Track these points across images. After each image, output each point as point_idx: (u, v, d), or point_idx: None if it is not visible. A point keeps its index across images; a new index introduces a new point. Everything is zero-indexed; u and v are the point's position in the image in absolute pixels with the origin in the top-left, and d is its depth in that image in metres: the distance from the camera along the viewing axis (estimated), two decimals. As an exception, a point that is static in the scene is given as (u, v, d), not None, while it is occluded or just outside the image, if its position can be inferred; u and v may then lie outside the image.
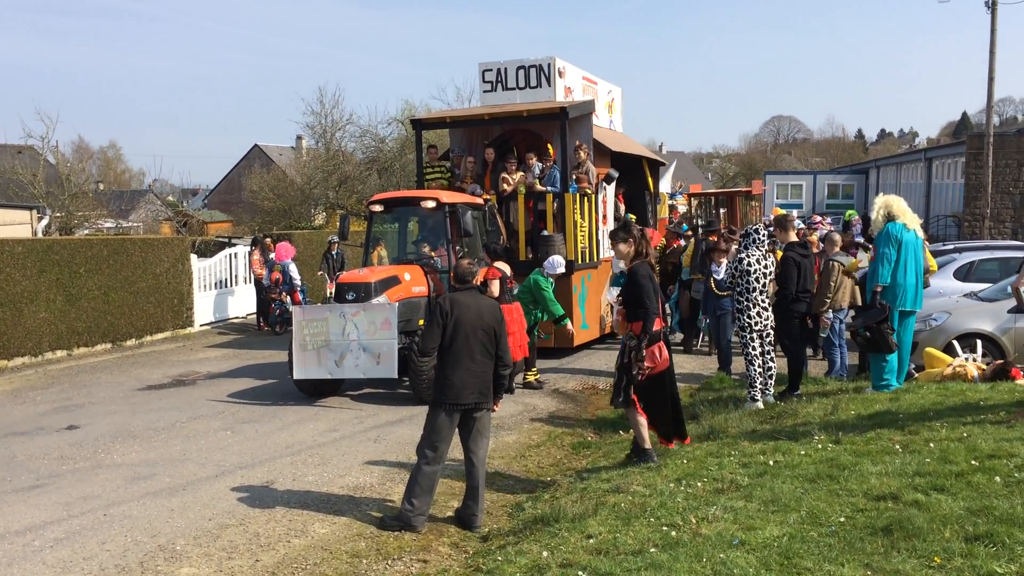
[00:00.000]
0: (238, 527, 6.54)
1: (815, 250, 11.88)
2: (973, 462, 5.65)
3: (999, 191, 31.53)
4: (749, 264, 9.02)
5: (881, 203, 8.99)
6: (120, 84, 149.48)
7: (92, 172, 47.19)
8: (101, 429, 9.86)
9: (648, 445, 7.27)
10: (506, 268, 11.01)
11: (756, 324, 9.07)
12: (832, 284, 10.50)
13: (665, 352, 7.11)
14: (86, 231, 30.33)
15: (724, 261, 11.72)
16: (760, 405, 8.95)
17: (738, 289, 9.18)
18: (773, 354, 9.28)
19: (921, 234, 8.94)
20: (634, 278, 7.09)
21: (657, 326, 7.01)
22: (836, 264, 10.60)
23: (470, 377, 6.38)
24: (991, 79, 26.82)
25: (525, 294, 11.47)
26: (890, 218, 8.78)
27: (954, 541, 4.42)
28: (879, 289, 8.72)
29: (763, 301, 9.10)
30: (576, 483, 7.11)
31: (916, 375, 9.95)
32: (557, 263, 11.76)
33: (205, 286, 19.40)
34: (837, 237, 11.59)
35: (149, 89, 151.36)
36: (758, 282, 9.02)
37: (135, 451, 8.87)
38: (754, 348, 9.10)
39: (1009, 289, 9.53)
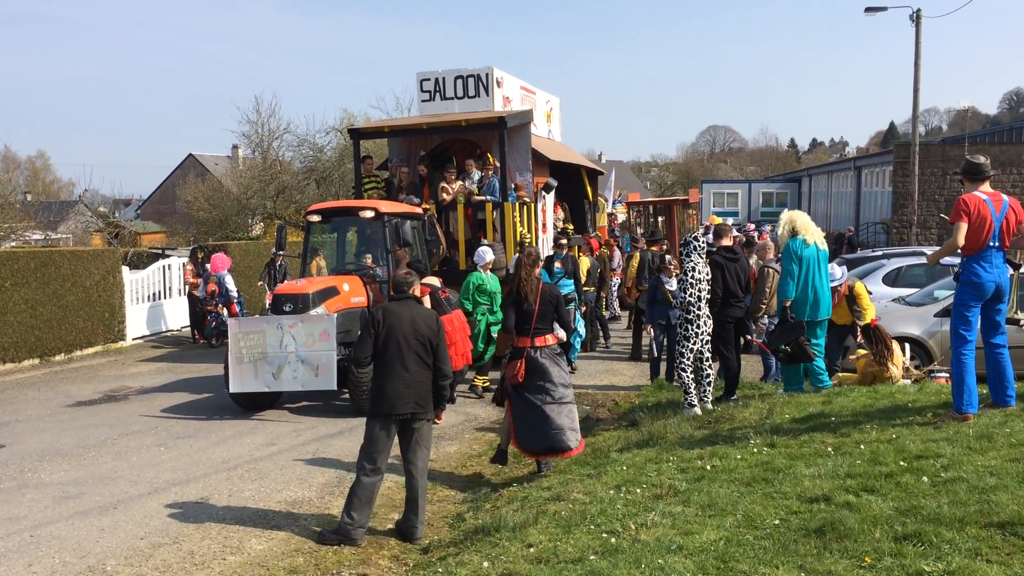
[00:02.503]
0: (171, 546, 6.39)
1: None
2: (902, 463, 5.79)
3: (925, 199, 32.51)
4: (698, 271, 9.12)
5: (786, 219, 9.41)
6: (49, 92, 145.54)
7: (19, 183, 46.01)
8: (28, 447, 9.54)
9: (505, 447, 8.05)
10: (435, 280, 11.03)
11: (702, 333, 9.17)
12: (768, 290, 10.69)
13: (520, 368, 7.63)
14: (12, 243, 29.42)
15: (675, 273, 11.86)
16: (698, 411, 9.06)
17: (689, 300, 9.15)
18: (711, 359, 9.41)
19: (823, 246, 9.27)
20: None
21: (522, 344, 7.70)
22: (771, 270, 10.80)
23: (403, 387, 6.34)
24: (916, 90, 27.62)
25: (467, 298, 11.42)
26: (794, 234, 9.11)
27: (884, 541, 4.52)
28: (787, 304, 9.08)
29: (706, 309, 9.22)
30: (517, 492, 7.11)
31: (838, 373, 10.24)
32: (484, 253, 11.67)
33: (138, 299, 18.94)
34: (770, 243, 11.82)
35: (79, 97, 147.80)
36: (704, 290, 9.13)
37: (64, 469, 8.61)
38: (687, 357, 9.20)
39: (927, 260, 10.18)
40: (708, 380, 9.38)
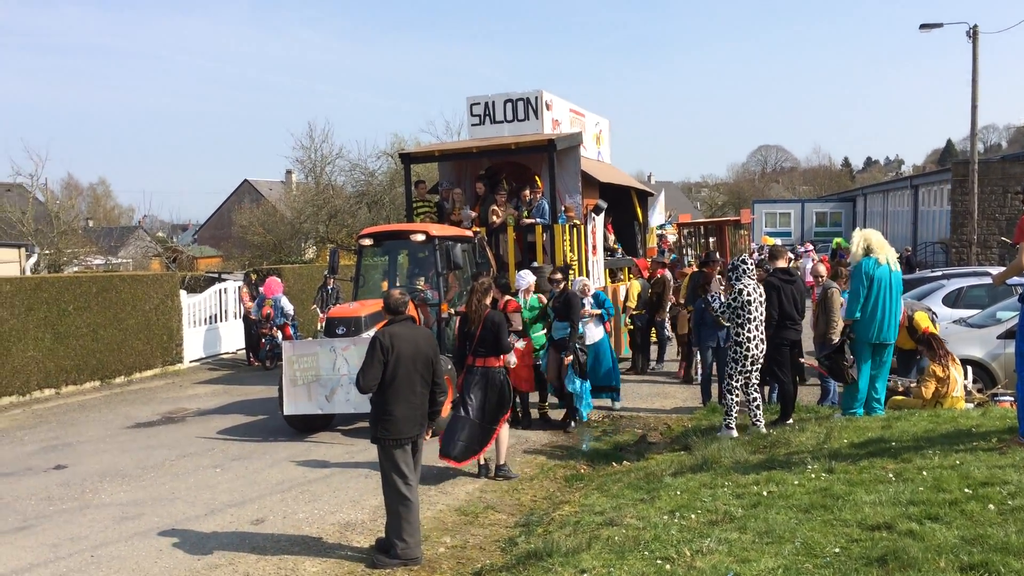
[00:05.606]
0: (227, 567, 6.46)
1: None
2: (967, 490, 5.63)
3: (985, 217, 31.77)
4: (749, 294, 9.01)
5: (860, 237, 9.15)
6: (110, 121, 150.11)
7: (81, 209, 47.33)
8: (89, 468, 9.75)
9: (502, 462, 8.88)
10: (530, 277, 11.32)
11: (752, 356, 9.04)
12: (836, 309, 10.45)
13: (459, 381, 8.82)
14: (75, 268, 30.25)
15: (718, 289, 11.70)
16: (735, 433, 8.95)
17: (739, 321, 9.10)
18: (757, 384, 9.29)
19: (896, 267, 9.04)
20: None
21: (467, 362, 8.60)
22: (835, 290, 10.58)
23: (411, 411, 6.48)
24: (974, 107, 27.05)
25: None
26: (868, 252, 8.91)
27: (949, 571, 4.38)
28: (848, 323, 8.91)
29: (761, 332, 9.10)
30: (570, 516, 7.05)
31: (903, 390, 9.98)
32: (525, 276, 11.45)
33: (195, 322, 19.31)
34: (822, 268, 11.69)
35: (139, 126, 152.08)
36: (756, 311, 9.03)
37: (123, 490, 8.77)
38: (736, 381, 9.10)
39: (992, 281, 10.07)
40: (756, 404, 9.25)
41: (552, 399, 11.73)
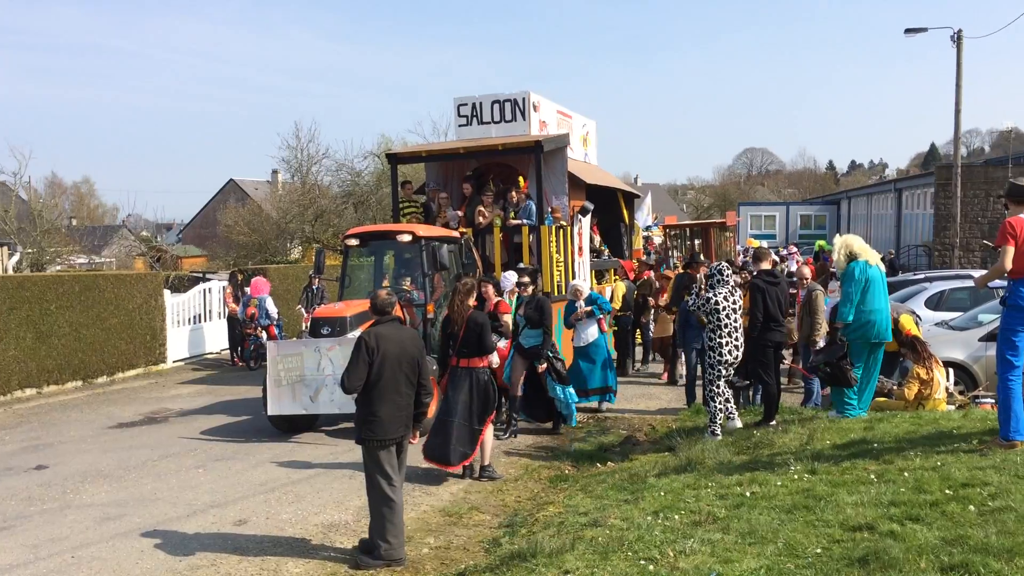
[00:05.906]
0: (209, 568, 6.42)
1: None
2: (947, 491, 5.67)
3: (968, 221, 32.00)
4: (717, 303, 9.10)
5: (841, 243, 9.26)
6: (94, 119, 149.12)
7: (65, 208, 47.02)
8: (70, 469, 9.68)
9: (485, 463, 8.90)
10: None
11: (727, 361, 9.14)
12: (821, 311, 10.54)
13: (443, 381, 8.85)
14: (58, 267, 30.03)
15: (700, 285, 11.77)
16: (720, 437, 9.01)
17: (710, 327, 9.23)
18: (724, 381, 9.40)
19: (882, 268, 9.14)
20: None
21: (451, 363, 8.66)
22: (819, 292, 10.66)
23: (396, 411, 6.46)
24: (958, 111, 27.22)
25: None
26: (852, 257, 9.00)
27: (930, 571, 4.41)
28: (840, 326, 8.97)
29: (736, 338, 9.17)
30: (554, 517, 7.06)
31: (886, 391, 10.04)
32: (509, 277, 11.48)
33: (178, 322, 19.20)
34: (806, 270, 11.76)
35: (123, 124, 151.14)
36: (728, 318, 9.11)
37: (105, 491, 8.71)
38: (718, 386, 9.18)
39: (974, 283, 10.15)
40: (726, 399, 9.33)
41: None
